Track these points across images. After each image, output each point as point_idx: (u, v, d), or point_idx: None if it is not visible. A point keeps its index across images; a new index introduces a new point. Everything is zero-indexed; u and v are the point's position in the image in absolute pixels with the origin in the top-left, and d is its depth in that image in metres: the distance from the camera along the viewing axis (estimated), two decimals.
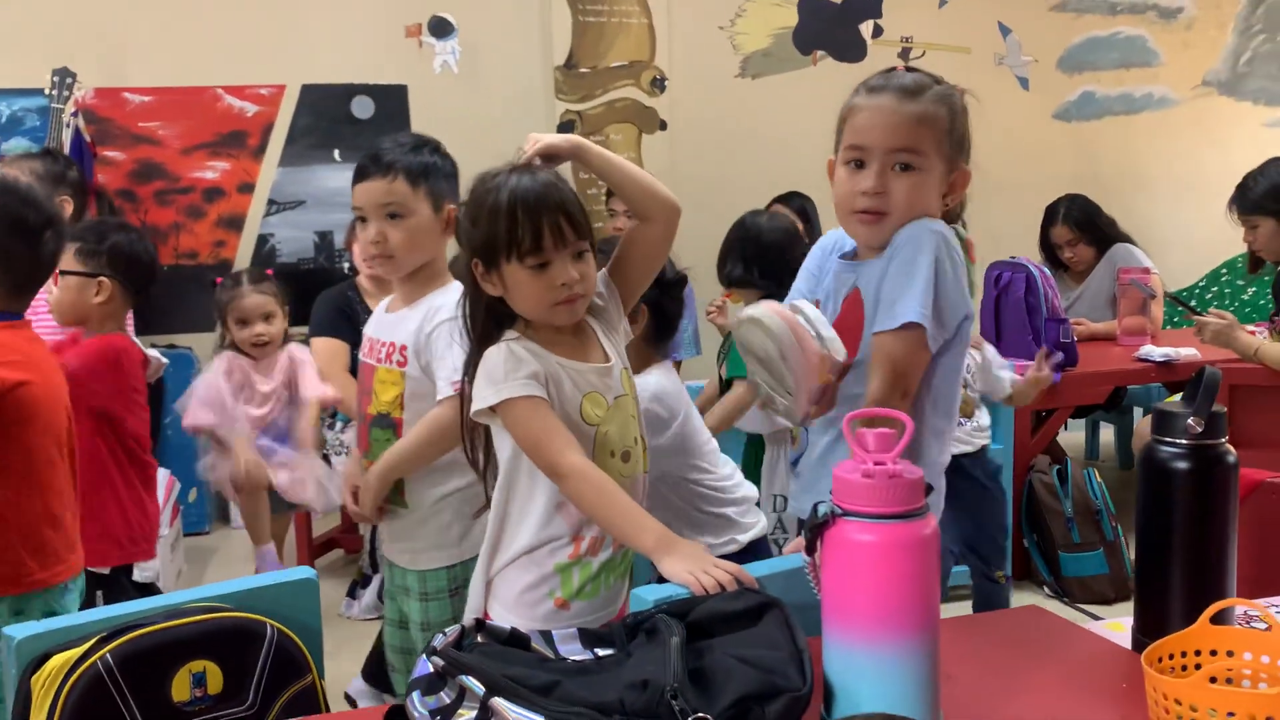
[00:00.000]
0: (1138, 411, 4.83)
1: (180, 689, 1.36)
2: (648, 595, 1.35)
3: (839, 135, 1.66)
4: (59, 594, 1.98)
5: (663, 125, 5.10)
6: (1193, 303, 5.35)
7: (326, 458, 3.41)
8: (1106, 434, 5.32)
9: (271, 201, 4.76)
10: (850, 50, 5.34)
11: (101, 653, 1.32)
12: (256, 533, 3.36)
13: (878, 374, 1.54)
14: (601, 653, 1.17)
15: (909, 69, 1.65)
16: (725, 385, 3.03)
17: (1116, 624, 1.44)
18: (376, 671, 2.73)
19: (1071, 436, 5.01)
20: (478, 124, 4.53)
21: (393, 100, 4.82)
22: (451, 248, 1.99)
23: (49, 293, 2.51)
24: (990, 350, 3.05)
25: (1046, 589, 3.60)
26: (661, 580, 1.40)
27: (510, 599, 1.59)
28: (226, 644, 1.39)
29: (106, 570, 2.48)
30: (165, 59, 4.58)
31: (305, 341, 3.45)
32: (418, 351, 1.99)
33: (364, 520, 2.13)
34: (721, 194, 4.22)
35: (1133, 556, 3.56)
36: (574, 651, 1.18)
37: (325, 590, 1.58)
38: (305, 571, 1.53)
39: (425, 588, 2.04)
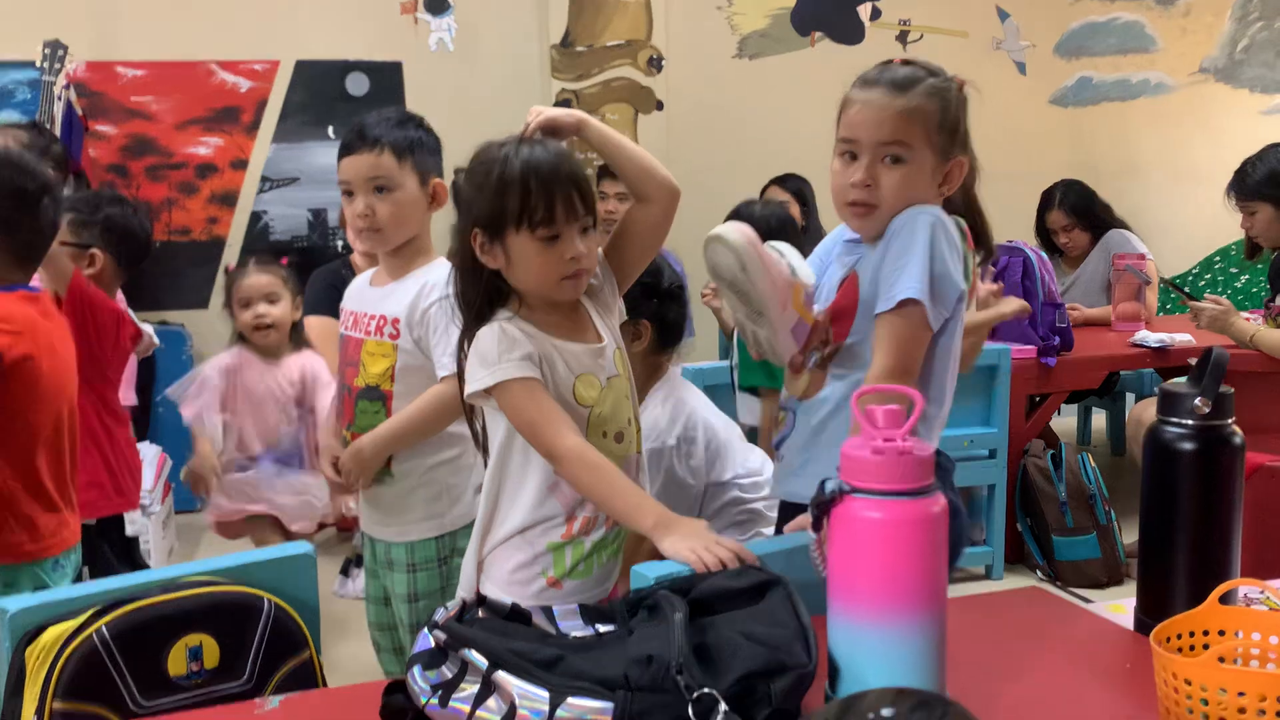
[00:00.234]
0: (1130, 398, 4.84)
1: (176, 663, 1.35)
2: (649, 572, 1.34)
3: (836, 127, 1.68)
4: (49, 568, 1.97)
5: (659, 105, 5.07)
6: (1186, 289, 5.36)
7: None
8: (1098, 420, 5.34)
9: (265, 178, 4.73)
10: (848, 32, 5.32)
11: (97, 625, 1.30)
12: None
13: (881, 353, 1.55)
14: (603, 629, 1.16)
15: (906, 62, 1.68)
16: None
17: (1118, 606, 1.43)
18: None
19: (1063, 422, 5.02)
20: (473, 102, 4.50)
21: (388, 77, 4.79)
22: (437, 222, 1.97)
23: None
24: None
25: (1039, 573, 3.61)
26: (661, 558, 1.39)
27: (502, 578, 1.58)
28: (223, 618, 1.38)
29: (93, 522, 2.47)
30: (158, 32, 4.53)
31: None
32: (410, 325, 1.98)
33: (347, 492, 2.12)
34: (718, 175, 4.21)
35: (1125, 542, 3.59)
36: (575, 627, 1.17)
37: (318, 568, 1.57)
38: (303, 546, 1.51)
39: (413, 558, 2.04)
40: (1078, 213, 4.44)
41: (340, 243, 4.62)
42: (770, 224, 2.99)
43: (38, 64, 4.20)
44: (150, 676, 1.33)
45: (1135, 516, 1.37)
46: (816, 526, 1.09)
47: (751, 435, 3.05)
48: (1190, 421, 1.26)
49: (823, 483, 1.06)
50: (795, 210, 3.93)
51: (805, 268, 1.55)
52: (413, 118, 2.08)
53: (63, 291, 2.28)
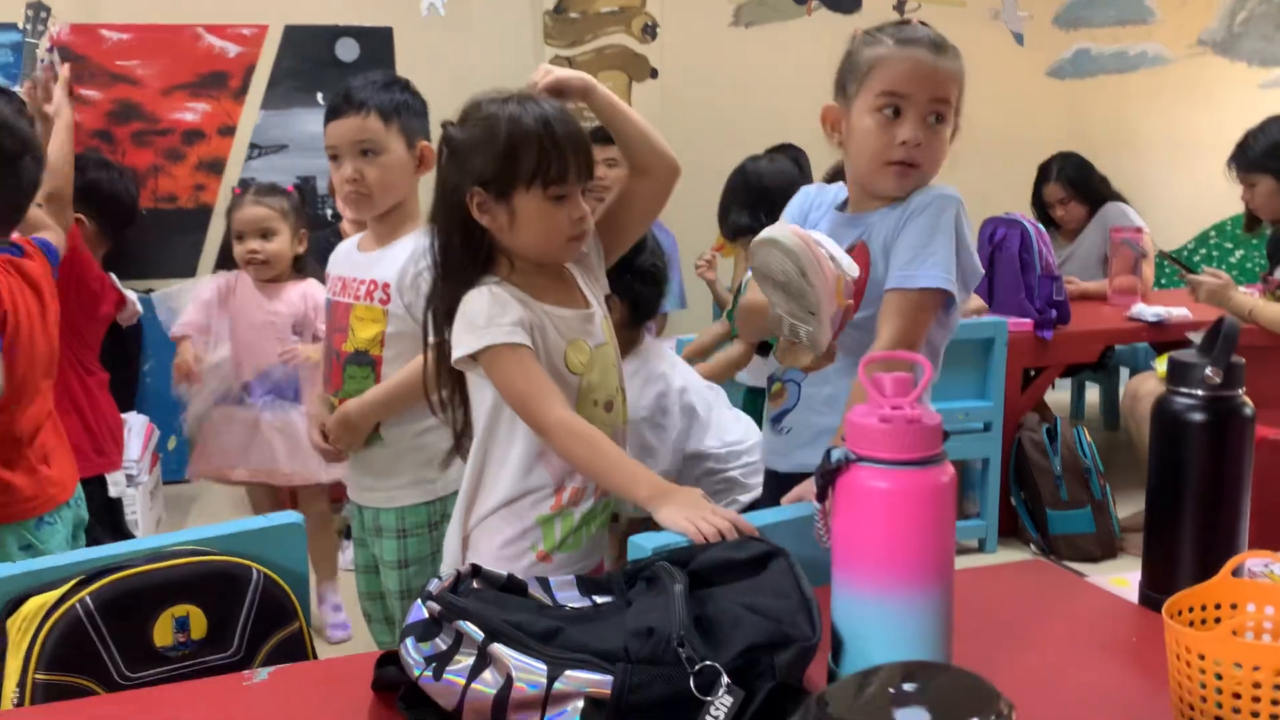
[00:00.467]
0: (1124, 372, 4.82)
1: (163, 633, 1.32)
2: (646, 543, 1.31)
3: (855, 84, 1.64)
4: (33, 527, 1.94)
5: (653, 73, 5.01)
6: (1184, 263, 5.34)
7: None
8: (1091, 394, 5.32)
9: (253, 145, 4.66)
10: (845, 0, 5.26)
11: (81, 595, 1.27)
12: (322, 569, 3.07)
13: (890, 327, 1.55)
14: (600, 600, 1.13)
15: (922, 24, 1.67)
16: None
17: (1121, 579, 1.41)
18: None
19: (1056, 396, 5.00)
20: (464, 69, 4.43)
21: (378, 43, 4.71)
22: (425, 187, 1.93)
23: None
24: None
25: (1033, 546, 3.60)
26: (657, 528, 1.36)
27: (490, 553, 1.55)
28: (210, 588, 1.34)
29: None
30: None
31: None
32: (401, 290, 1.96)
33: (335, 458, 2.10)
34: (712, 144, 4.15)
35: (1120, 515, 3.58)
36: (572, 598, 1.14)
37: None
38: (291, 516, 1.48)
39: (403, 524, 2.02)
40: (1075, 185, 4.41)
41: (330, 211, 4.56)
42: (778, 180, 2.99)
43: (20, 26, 4.11)
44: (136, 647, 1.30)
45: (1129, 491, 1.35)
46: (821, 496, 1.06)
47: (752, 391, 3.02)
48: (1200, 392, 1.23)
49: (828, 451, 1.03)
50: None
51: (845, 257, 1.52)
52: (398, 80, 2.06)
53: (61, 245, 2.25)
